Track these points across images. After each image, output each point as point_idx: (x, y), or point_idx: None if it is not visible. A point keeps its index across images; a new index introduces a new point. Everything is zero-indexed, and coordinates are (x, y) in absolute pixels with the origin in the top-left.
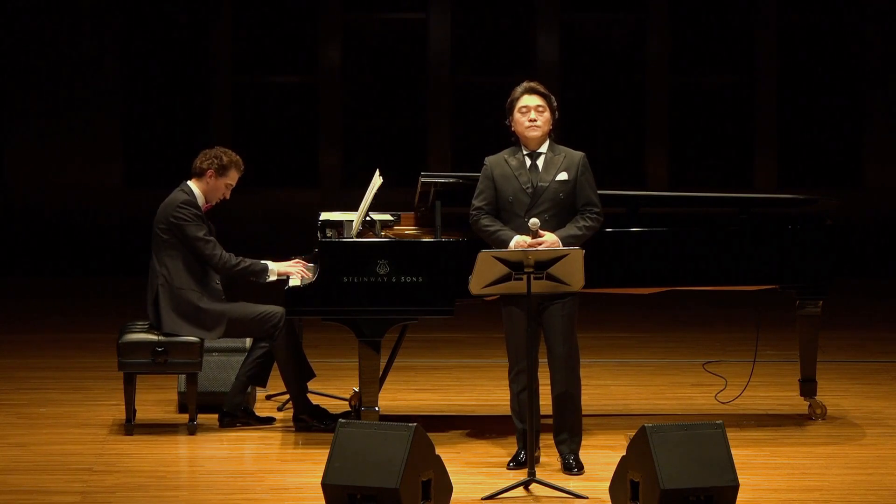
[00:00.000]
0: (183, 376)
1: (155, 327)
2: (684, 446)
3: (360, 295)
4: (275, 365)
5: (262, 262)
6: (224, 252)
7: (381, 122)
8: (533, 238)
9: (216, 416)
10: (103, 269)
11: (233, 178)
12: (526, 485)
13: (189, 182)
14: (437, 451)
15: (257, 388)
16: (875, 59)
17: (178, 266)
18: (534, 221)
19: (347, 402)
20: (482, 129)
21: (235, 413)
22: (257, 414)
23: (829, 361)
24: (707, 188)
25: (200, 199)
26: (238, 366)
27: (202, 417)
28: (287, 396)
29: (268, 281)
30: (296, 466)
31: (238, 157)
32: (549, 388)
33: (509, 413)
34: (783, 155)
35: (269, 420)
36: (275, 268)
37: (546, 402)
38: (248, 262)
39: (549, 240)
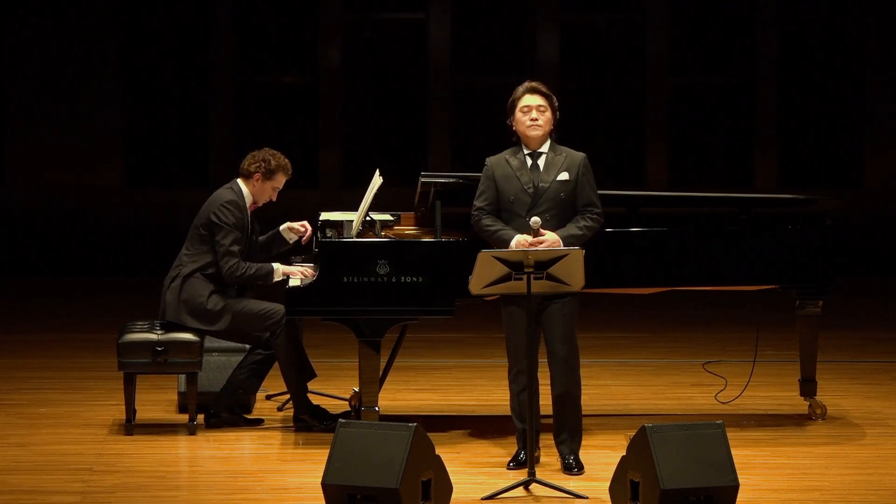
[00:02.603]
0: (183, 376)
1: (160, 316)
2: (684, 446)
3: (360, 295)
4: (275, 365)
5: (268, 265)
6: (239, 263)
7: (381, 122)
8: (534, 237)
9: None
10: (103, 270)
11: (279, 181)
12: (526, 485)
13: (238, 181)
14: (437, 451)
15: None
16: (875, 58)
17: (202, 259)
18: (535, 220)
19: (347, 402)
20: (482, 129)
21: (220, 414)
22: (253, 415)
23: (829, 361)
24: (707, 188)
25: (248, 199)
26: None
27: (202, 417)
28: (287, 396)
29: (274, 281)
30: (296, 466)
31: (286, 160)
32: (549, 388)
33: (509, 413)
34: (783, 155)
35: (258, 421)
36: (279, 268)
37: (546, 402)
38: (254, 268)
39: (550, 239)
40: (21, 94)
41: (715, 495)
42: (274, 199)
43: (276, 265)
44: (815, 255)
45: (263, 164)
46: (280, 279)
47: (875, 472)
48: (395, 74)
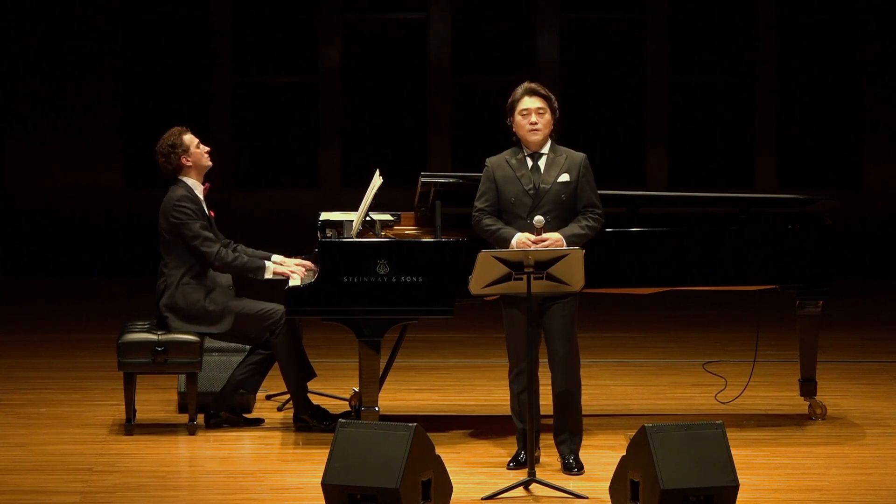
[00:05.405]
0: (183, 376)
1: (161, 326)
2: (684, 446)
3: (360, 295)
4: (275, 365)
5: (261, 261)
6: (221, 249)
7: (381, 122)
8: (537, 235)
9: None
10: (103, 269)
11: (192, 140)
12: (526, 485)
13: (178, 178)
14: (437, 451)
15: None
16: (875, 58)
17: (183, 265)
18: (538, 219)
19: (347, 402)
20: (482, 129)
21: (220, 414)
22: (253, 414)
23: (829, 361)
24: (707, 188)
25: (198, 188)
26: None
27: (202, 417)
28: (287, 396)
29: (265, 279)
30: (296, 466)
31: (173, 128)
32: (550, 388)
33: (509, 413)
34: (783, 155)
35: (258, 421)
36: (271, 267)
37: (546, 403)
38: (245, 258)
39: (553, 237)
40: (21, 94)
41: (715, 495)
42: (207, 148)
43: (269, 263)
44: (815, 255)
45: (177, 148)
46: (270, 277)
47: (875, 472)
48: (395, 74)
